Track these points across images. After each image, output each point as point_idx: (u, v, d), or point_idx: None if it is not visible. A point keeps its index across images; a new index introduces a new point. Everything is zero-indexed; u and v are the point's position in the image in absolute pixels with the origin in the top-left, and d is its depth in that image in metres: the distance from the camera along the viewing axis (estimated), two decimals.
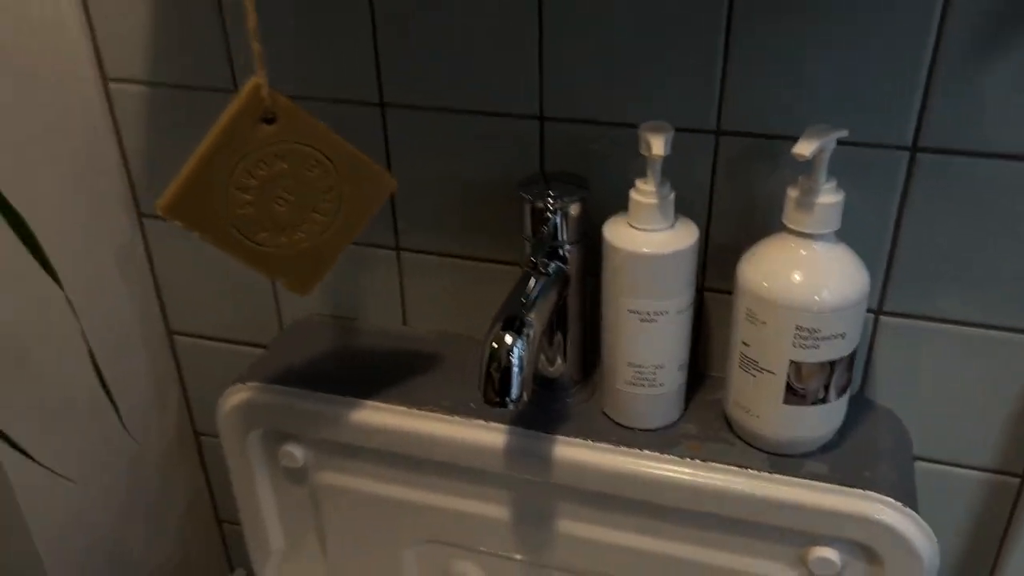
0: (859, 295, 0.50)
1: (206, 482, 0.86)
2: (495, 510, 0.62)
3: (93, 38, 0.64)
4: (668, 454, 0.56)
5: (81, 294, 0.67)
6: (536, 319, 0.51)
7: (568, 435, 0.58)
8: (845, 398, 0.54)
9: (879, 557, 0.53)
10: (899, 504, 0.52)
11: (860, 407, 0.59)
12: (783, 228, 0.51)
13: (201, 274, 0.73)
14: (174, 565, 0.83)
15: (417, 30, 0.57)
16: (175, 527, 0.82)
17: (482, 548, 0.65)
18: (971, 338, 0.56)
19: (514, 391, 0.49)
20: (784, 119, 0.53)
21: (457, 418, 0.60)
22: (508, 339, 0.49)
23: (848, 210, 0.50)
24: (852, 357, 0.52)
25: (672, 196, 0.52)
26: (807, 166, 0.48)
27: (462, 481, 0.62)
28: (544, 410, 0.60)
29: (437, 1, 0.55)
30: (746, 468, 0.55)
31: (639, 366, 0.55)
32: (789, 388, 0.52)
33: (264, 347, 0.74)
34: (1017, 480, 0.60)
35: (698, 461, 0.56)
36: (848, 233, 0.51)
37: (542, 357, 0.60)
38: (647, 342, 0.54)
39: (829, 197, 0.49)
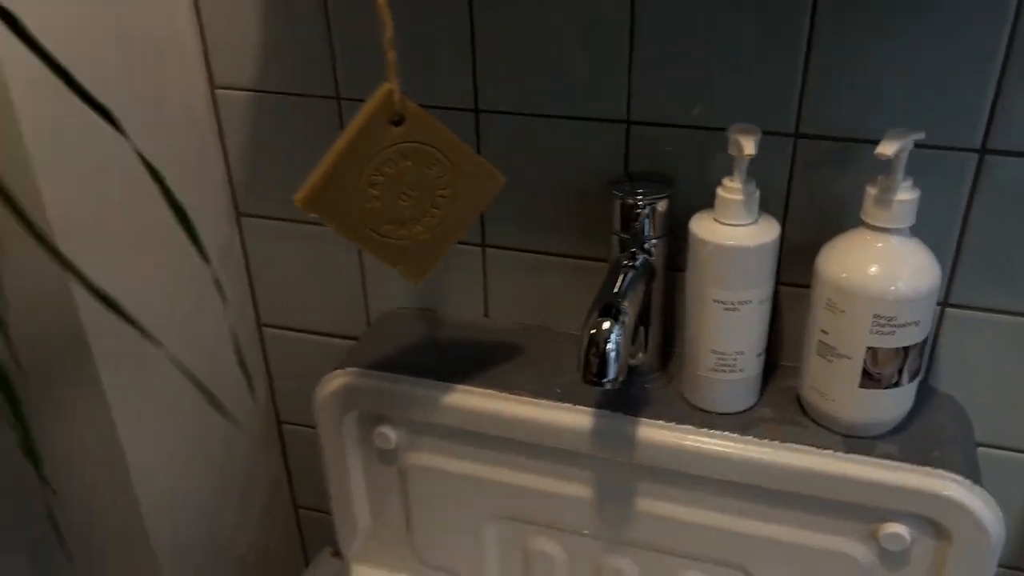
0: (931, 286, 0.54)
1: (286, 470, 0.90)
2: (575, 489, 0.67)
3: (204, 47, 0.69)
4: (747, 435, 0.60)
5: (184, 287, 0.72)
6: (629, 307, 0.55)
7: (650, 418, 0.62)
8: (915, 383, 0.58)
9: (947, 532, 0.57)
10: (968, 482, 0.56)
11: (924, 394, 0.63)
12: (861, 223, 0.55)
13: (292, 270, 0.78)
14: (256, 549, 0.87)
15: (512, 42, 0.61)
16: (258, 513, 0.87)
17: (561, 526, 0.69)
18: None
19: (611, 372, 0.53)
20: (859, 123, 0.57)
21: (544, 401, 0.64)
22: (606, 325, 0.53)
23: (919, 207, 0.54)
24: (924, 344, 0.56)
25: (757, 194, 0.56)
26: (885, 166, 0.52)
27: (545, 461, 0.66)
28: (626, 396, 0.64)
29: (532, 16, 0.60)
30: (822, 448, 0.59)
31: (722, 353, 0.59)
32: (865, 372, 0.56)
33: (350, 339, 0.79)
34: None
35: (776, 442, 0.60)
36: (918, 229, 0.55)
37: None
38: (730, 330, 0.58)
39: (906, 194, 0.53)
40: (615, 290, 0.56)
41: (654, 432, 0.61)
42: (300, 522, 0.94)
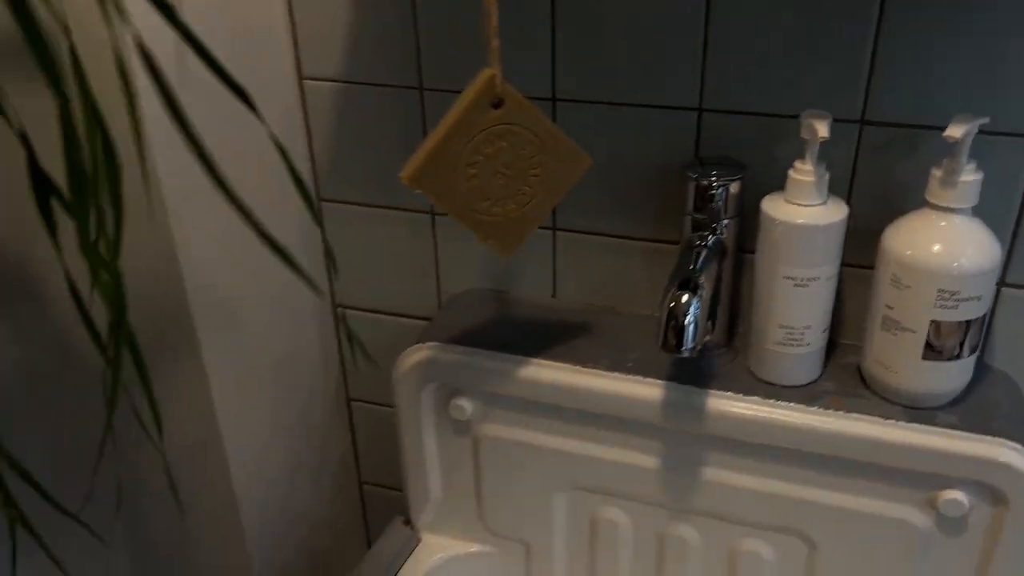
0: (993, 263, 0.57)
1: (353, 446, 0.94)
2: (643, 459, 0.70)
3: (294, 39, 0.74)
4: (812, 406, 0.64)
5: (270, 268, 0.76)
6: (705, 282, 0.59)
7: (719, 390, 0.66)
8: (975, 356, 0.61)
9: (1005, 498, 0.60)
10: None
11: (979, 370, 0.66)
12: (925, 204, 0.58)
13: (368, 253, 0.82)
14: (325, 521, 0.91)
15: (590, 33, 0.65)
16: (328, 486, 0.91)
17: (628, 495, 0.72)
18: None
19: (689, 341, 0.57)
20: (923, 110, 0.60)
21: (616, 374, 0.68)
22: (685, 297, 0.57)
23: (980, 189, 0.57)
24: (984, 319, 0.59)
25: (827, 176, 0.60)
26: (950, 149, 0.56)
27: (614, 432, 0.70)
28: (695, 370, 0.68)
29: (610, 8, 0.64)
30: (884, 418, 0.62)
31: (790, 327, 0.63)
32: (928, 345, 0.59)
33: (421, 319, 0.83)
34: None
35: (840, 412, 0.63)
36: (979, 210, 0.58)
37: None
38: (799, 305, 0.62)
39: (970, 176, 0.56)
40: (692, 266, 0.60)
41: (722, 403, 0.65)
42: (364, 497, 0.98)
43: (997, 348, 0.67)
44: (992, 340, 0.67)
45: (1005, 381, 0.67)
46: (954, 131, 0.53)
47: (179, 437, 0.72)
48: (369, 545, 1.00)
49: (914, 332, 0.59)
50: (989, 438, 0.60)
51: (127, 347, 0.53)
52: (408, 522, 0.82)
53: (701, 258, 0.61)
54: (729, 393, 0.65)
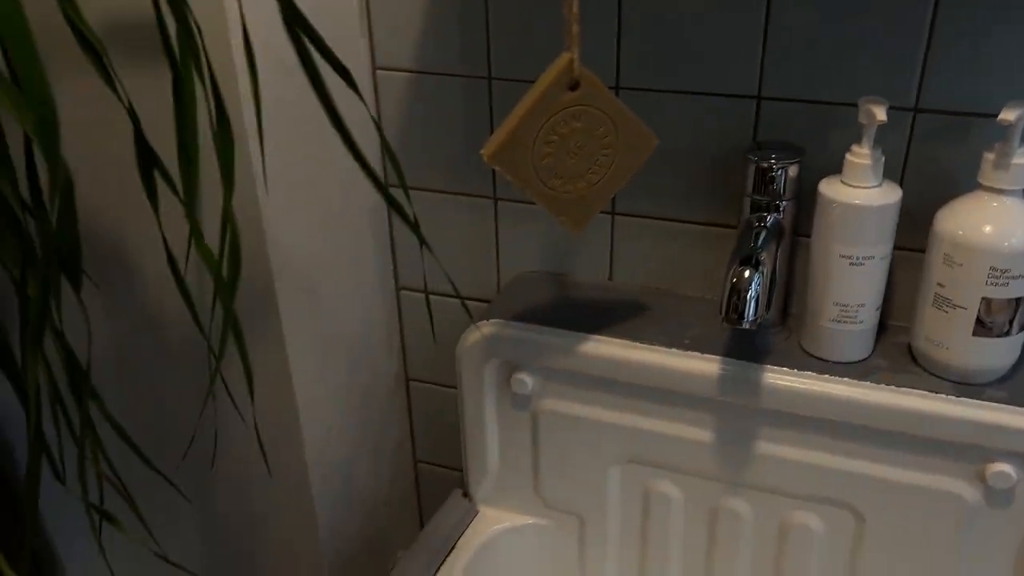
0: None
1: (409, 425, 0.98)
2: (698, 433, 0.73)
3: (369, 30, 0.78)
4: (865, 380, 0.66)
5: (342, 250, 0.80)
6: (766, 259, 0.62)
7: (774, 365, 0.69)
8: (1023, 334, 0.64)
9: None
10: None
11: None
12: (977, 187, 0.61)
13: (431, 237, 0.86)
14: (383, 498, 0.95)
15: (653, 23, 0.69)
16: (387, 464, 0.95)
17: (682, 468, 0.75)
18: None
19: (750, 314, 0.60)
20: (974, 98, 0.63)
21: (675, 350, 0.71)
22: (747, 272, 0.60)
23: None
24: None
25: (882, 160, 0.63)
26: (1003, 133, 0.59)
27: (670, 407, 0.73)
28: (750, 346, 0.71)
29: (675, 1, 0.67)
30: (935, 392, 0.65)
31: (844, 305, 0.66)
32: (979, 322, 0.62)
33: (480, 300, 0.87)
34: None
35: (892, 387, 0.66)
36: None
37: None
38: (854, 283, 0.65)
39: (1021, 159, 0.59)
40: (752, 244, 0.63)
41: (777, 377, 0.68)
42: (418, 475, 1.01)
43: None
44: None
45: None
46: (1008, 115, 0.56)
47: (259, 409, 0.76)
48: (422, 521, 1.04)
49: (965, 309, 0.62)
50: None
51: (224, 312, 0.57)
52: (467, 495, 0.85)
53: (761, 237, 0.64)
54: (784, 368, 0.68)
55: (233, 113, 0.64)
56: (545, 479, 0.81)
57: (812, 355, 0.69)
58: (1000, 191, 0.60)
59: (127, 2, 0.63)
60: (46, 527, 0.95)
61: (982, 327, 0.62)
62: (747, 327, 0.60)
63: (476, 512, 0.85)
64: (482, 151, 0.59)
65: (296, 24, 0.49)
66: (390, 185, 0.85)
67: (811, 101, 0.68)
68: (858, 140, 0.62)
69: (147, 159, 0.58)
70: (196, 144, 0.54)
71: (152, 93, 0.63)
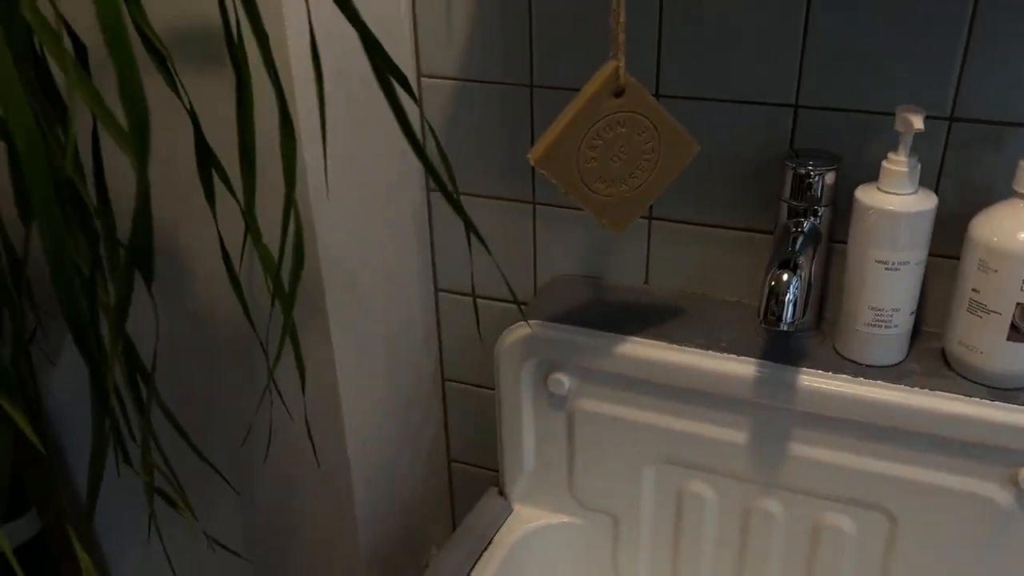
0: None
1: (444, 424, 1.00)
2: (733, 435, 0.75)
3: (415, 38, 0.80)
4: (899, 384, 0.68)
5: (386, 252, 0.83)
6: (804, 263, 0.64)
7: (809, 368, 0.70)
8: None
9: None
10: None
11: None
12: (1013, 194, 0.62)
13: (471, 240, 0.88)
14: (418, 495, 0.97)
15: (692, 34, 0.71)
16: (422, 462, 0.97)
17: (717, 469, 0.77)
18: None
19: (788, 316, 0.62)
20: (1010, 108, 0.65)
21: (712, 352, 0.73)
22: (785, 276, 0.62)
23: None
24: None
25: (919, 167, 0.64)
26: None
27: (705, 408, 0.75)
28: (785, 350, 0.72)
29: (715, 12, 0.69)
30: (969, 396, 0.66)
31: (879, 309, 0.67)
32: (1013, 327, 0.63)
33: (515, 303, 0.88)
34: None
35: (926, 390, 0.67)
36: None
37: None
38: (889, 288, 0.66)
39: None
40: (790, 248, 0.64)
41: (813, 380, 0.69)
42: (452, 474, 1.03)
43: None
44: None
45: None
46: None
47: (307, 404, 0.78)
48: (454, 519, 1.06)
49: (1000, 314, 0.63)
50: None
51: (282, 310, 0.60)
52: (502, 493, 0.87)
53: (799, 242, 0.66)
54: (819, 371, 0.69)
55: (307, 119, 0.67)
56: (580, 478, 0.83)
57: (847, 358, 0.71)
58: None
59: (189, 8, 0.65)
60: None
61: (1016, 332, 0.63)
62: (785, 329, 0.62)
63: (511, 510, 0.87)
64: (529, 155, 0.61)
65: (363, 34, 0.51)
66: (432, 190, 0.87)
67: (847, 110, 0.69)
68: (894, 148, 0.64)
69: (206, 159, 0.61)
70: (254, 146, 0.57)
71: (209, 95, 0.65)
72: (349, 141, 0.73)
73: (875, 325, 0.68)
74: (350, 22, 0.50)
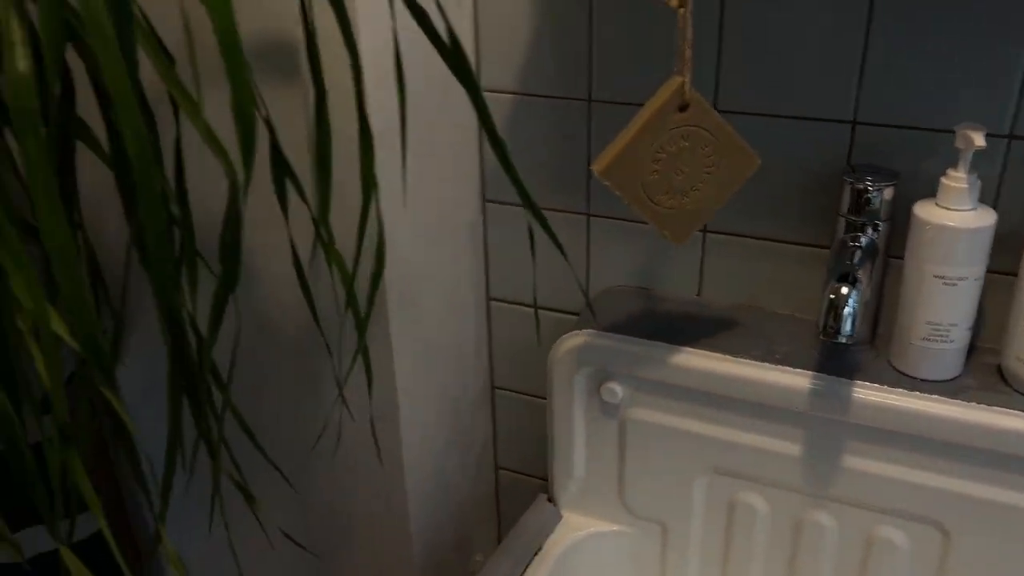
0: None
1: (492, 431, 1.01)
2: (786, 446, 0.75)
3: (477, 53, 0.82)
4: (955, 398, 0.68)
5: (443, 261, 0.84)
6: (863, 276, 0.64)
7: (864, 381, 0.71)
8: None
9: None
10: None
11: None
12: None
13: (524, 251, 0.89)
14: (467, 500, 0.98)
15: (753, 50, 0.72)
16: (471, 468, 0.98)
17: (768, 480, 0.77)
18: None
19: (847, 329, 0.63)
20: None
21: (767, 364, 0.73)
22: (844, 289, 0.63)
23: None
24: None
25: (978, 184, 0.65)
26: None
27: (758, 419, 0.75)
28: (841, 363, 0.73)
29: (775, 29, 0.71)
30: None
31: (936, 324, 0.68)
32: None
33: (568, 313, 0.90)
34: None
35: (982, 405, 0.67)
36: None
37: None
38: (947, 303, 0.67)
39: None
40: (849, 262, 0.65)
41: (868, 393, 0.70)
42: (498, 480, 1.05)
43: None
44: None
45: None
46: None
47: (365, 407, 0.80)
48: (500, 526, 1.07)
49: None
50: None
51: (354, 314, 0.62)
52: (551, 500, 0.88)
53: (857, 256, 0.67)
54: (875, 384, 0.70)
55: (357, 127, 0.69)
56: (630, 487, 0.84)
57: (902, 372, 0.71)
58: None
59: (267, 23, 0.68)
60: (143, 513, 1.00)
61: None
62: (844, 342, 0.63)
63: (560, 517, 0.88)
64: (593, 166, 0.62)
65: (441, 47, 0.53)
66: (490, 200, 0.89)
67: (905, 126, 0.70)
68: (954, 164, 0.65)
69: (280, 167, 0.63)
70: (331, 156, 0.59)
71: (283, 105, 0.68)
72: (412, 152, 0.75)
73: (931, 340, 0.68)
74: (433, 43, 0.52)
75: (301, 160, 0.70)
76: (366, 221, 0.57)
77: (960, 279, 0.66)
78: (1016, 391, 0.69)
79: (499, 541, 1.08)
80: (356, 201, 0.71)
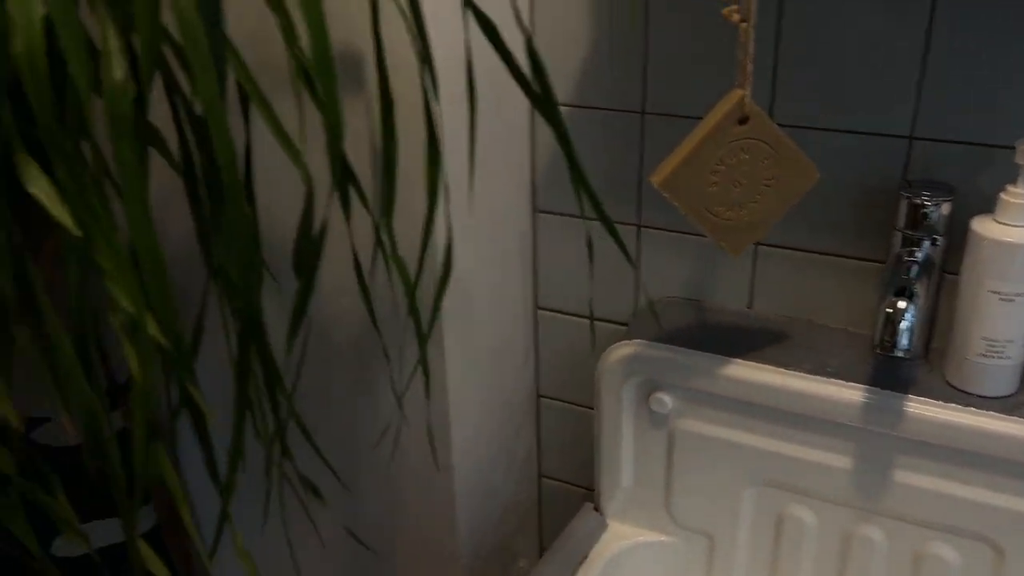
0: None
1: (537, 439, 1.02)
2: (837, 459, 0.75)
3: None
4: (1011, 415, 0.68)
5: (495, 269, 0.86)
6: (919, 291, 0.65)
7: (919, 396, 0.71)
8: None
9: None
10: None
11: None
12: None
13: (573, 260, 0.90)
14: (511, 507, 0.99)
15: (810, 65, 0.73)
16: (516, 475, 0.99)
17: (817, 494, 0.77)
18: None
19: (904, 343, 0.63)
20: None
21: (819, 377, 0.74)
22: (901, 304, 0.63)
23: None
24: None
25: None
26: None
27: (809, 432, 0.75)
28: (894, 377, 0.73)
29: (832, 44, 0.71)
30: None
31: (992, 340, 0.67)
32: None
33: (616, 323, 0.91)
34: None
35: None
36: None
37: None
38: (1003, 319, 0.67)
39: None
40: (906, 276, 0.66)
41: (922, 408, 0.70)
42: (541, 489, 1.05)
43: None
44: None
45: None
46: None
47: (418, 409, 0.82)
48: (541, 534, 1.07)
49: None
50: None
51: (415, 323, 0.63)
52: (597, 508, 0.89)
53: (914, 271, 0.67)
54: (929, 400, 0.70)
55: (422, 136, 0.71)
56: (677, 497, 0.84)
57: (956, 388, 0.71)
58: None
59: (336, 36, 0.70)
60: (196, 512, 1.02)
61: None
62: (901, 356, 0.63)
63: (606, 526, 0.88)
64: (652, 178, 0.63)
65: (512, 64, 0.54)
66: (541, 211, 0.90)
67: (962, 142, 0.70)
68: (1013, 181, 0.65)
69: (344, 174, 0.65)
70: (396, 166, 0.60)
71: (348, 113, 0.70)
72: (468, 161, 0.76)
73: (987, 355, 0.68)
74: (502, 59, 0.53)
75: (360, 168, 0.72)
76: (431, 229, 0.58)
77: (1017, 295, 0.66)
78: None
79: (540, 548, 1.08)
80: (414, 209, 0.72)
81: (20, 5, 0.34)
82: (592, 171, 0.85)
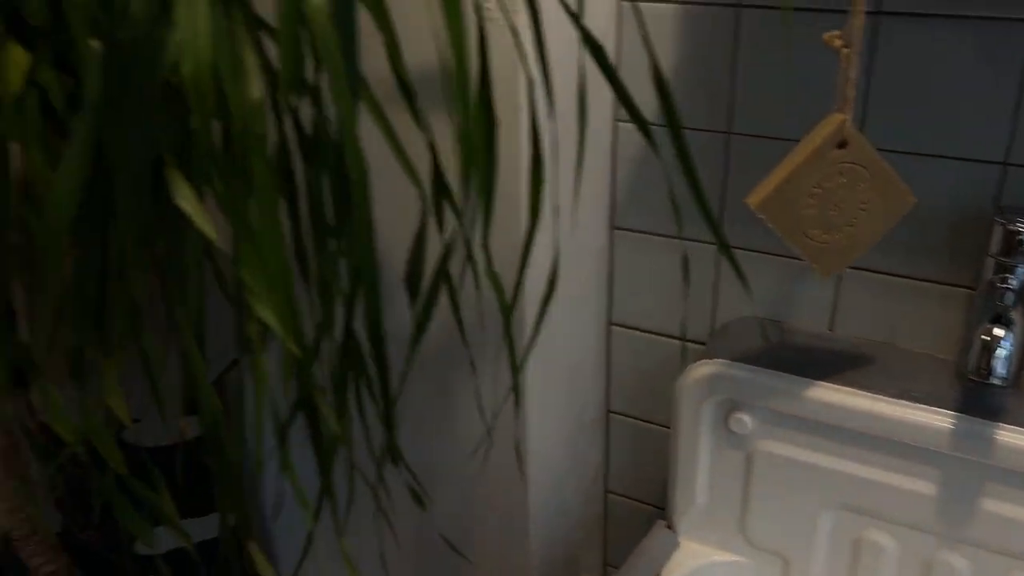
0: None
1: (605, 455, 1.03)
2: (920, 485, 0.75)
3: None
4: None
5: (571, 285, 0.86)
6: (1016, 319, 0.64)
7: (1009, 423, 0.70)
8: None
9: None
10: None
11: None
12: None
13: (649, 277, 0.91)
14: (579, 521, 1.00)
15: (903, 90, 0.72)
16: (584, 490, 0.99)
17: (898, 519, 0.77)
18: None
19: (1000, 370, 0.63)
20: None
21: (904, 402, 0.73)
22: (998, 331, 0.63)
23: None
24: None
25: None
26: None
27: (890, 457, 0.75)
28: (982, 404, 0.72)
29: (925, 69, 0.71)
30: None
31: None
32: None
33: (691, 342, 0.91)
34: None
35: None
36: None
37: None
38: None
39: None
40: (1000, 303, 0.65)
41: (1012, 436, 0.69)
42: (607, 505, 1.06)
43: None
44: None
45: None
46: None
47: (498, 422, 0.82)
48: (606, 550, 1.08)
49: None
50: None
51: (508, 343, 0.64)
52: (670, 526, 0.89)
53: (1009, 298, 0.66)
54: (1018, 427, 0.69)
55: (518, 155, 0.72)
56: (753, 518, 0.84)
57: None
58: None
59: (433, 53, 0.71)
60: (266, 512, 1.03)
61: None
62: (997, 384, 0.63)
63: (678, 544, 0.88)
64: (748, 199, 0.63)
65: (617, 86, 0.55)
66: (619, 228, 0.91)
67: None
68: None
69: (441, 190, 0.66)
70: (495, 181, 0.61)
71: (439, 130, 0.71)
72: (554, 178, 0.77)
73: None
74: (608, 81, 0.54)
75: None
76: (530, 249, 0.59)
77: None
78: None
79: (605, 564, 1.09)
80: (505, 226, 0.73)
81: (188, 25, 0.36)
82: (676, 189, 0.85)
